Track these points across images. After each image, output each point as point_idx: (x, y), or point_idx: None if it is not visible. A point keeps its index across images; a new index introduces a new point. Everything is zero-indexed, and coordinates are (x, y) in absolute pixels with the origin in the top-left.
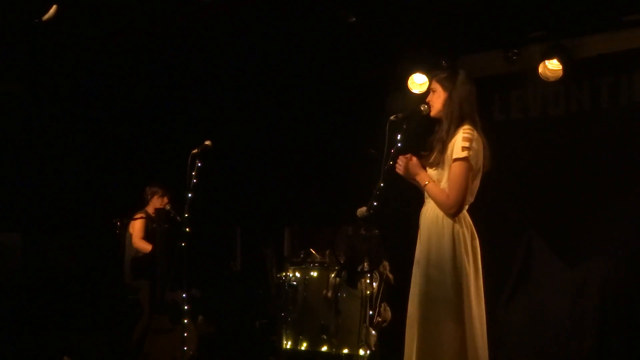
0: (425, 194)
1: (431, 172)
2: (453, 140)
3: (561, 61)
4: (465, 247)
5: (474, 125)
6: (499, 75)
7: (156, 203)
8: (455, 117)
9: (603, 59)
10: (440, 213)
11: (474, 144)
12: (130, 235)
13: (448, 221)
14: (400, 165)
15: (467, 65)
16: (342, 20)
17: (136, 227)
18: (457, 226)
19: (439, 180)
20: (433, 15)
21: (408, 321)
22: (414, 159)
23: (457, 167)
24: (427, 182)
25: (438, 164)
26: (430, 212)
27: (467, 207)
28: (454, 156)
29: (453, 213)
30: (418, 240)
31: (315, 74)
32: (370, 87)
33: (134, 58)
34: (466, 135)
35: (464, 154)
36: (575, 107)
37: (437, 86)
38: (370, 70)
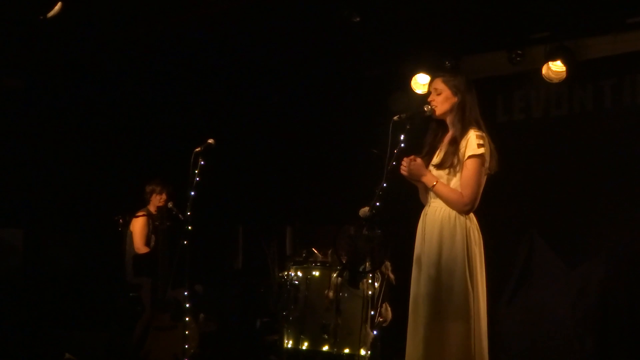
0: (431, 194)
1: (440, 172)
2: (464, 140)
3: (565, 63)
4: (475, 244)
5: (478, 127)
6: (502, 76)
7: (156, 200)
8: (467, 120)
9: (606, 61)
10: (452, 212)
11: (486, 143)
12: (131, 234)
13: (460, 219)
14: (404, 166)
15: (471, 65)
16: (346, 19)
17: (137, 228)
18: (468, 223)
19: (449, 180)
20: (437, 16)
21: (411, 321)
22: (419, 160)
23: (473, 164)
24: (435, 183)
25: (451, 165)
26: (439, 211)
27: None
28: (470, 153)
29: (468, 210)
30: (420, 241)
31: (318, 73)
32: (373, 86)
33: (138, 55)
34: (479, 133)
35: (480, 150)
36: (578, 108)
37: (443, 87)
38: (373, 69)
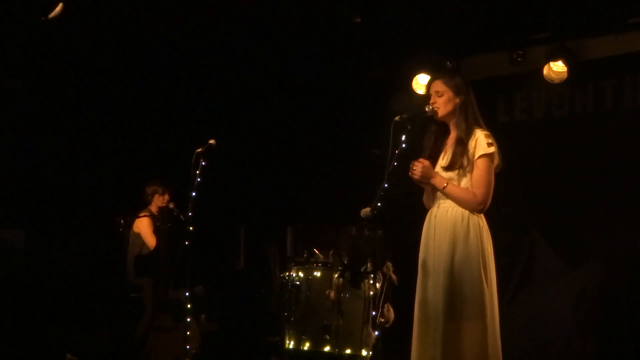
0: (439, 195)
1: (450, 174)
2: (473, 140)
3: (566, 63)
4: (487, 242)
5: (480, 127)
6: (504, 76)
7: (158, 202)
8: (470, 120)
9: (607, 61)
10: (465, 211)
11: (494, 141)
12: (135, 234)
13: (473, 218)
14: (415, 170)
15: (472, 66)
16: (347, 20)
17: (144, 229)
18: (480, 222)
19: (459, 180)
20: (438, 16)
21: (420, 323)
22: (426, 162)
23: (484, 163)
24: (446, 184)
25: (461, 165)
26: (450, 211)
27: None
28: (481, 152)
29: (482, 209)
30: (426, 243)
31: (319, 73)
32: (374, 87)
33: (138, 56)
34: (486, 132)
35: (491, 149)
36: (579, 108)
37: (445, 89)
38: (374, 70)
